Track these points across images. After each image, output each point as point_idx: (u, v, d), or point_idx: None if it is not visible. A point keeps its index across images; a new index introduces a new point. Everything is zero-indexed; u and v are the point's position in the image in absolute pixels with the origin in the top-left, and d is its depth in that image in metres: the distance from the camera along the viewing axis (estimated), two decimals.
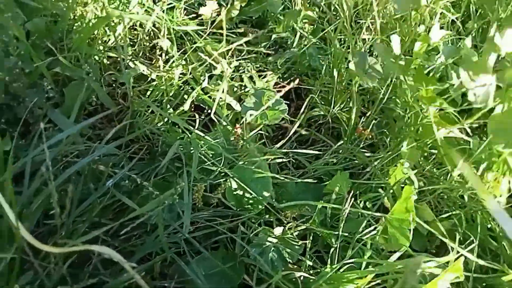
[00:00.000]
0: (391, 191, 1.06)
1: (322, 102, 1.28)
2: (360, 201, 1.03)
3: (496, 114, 0.91)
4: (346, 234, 0.98)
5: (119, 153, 1.01)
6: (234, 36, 1.36)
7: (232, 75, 1.26)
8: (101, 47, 1.21)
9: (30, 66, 1.01)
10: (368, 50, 1.32)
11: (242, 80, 1.28)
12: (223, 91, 1.12)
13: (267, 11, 1.46)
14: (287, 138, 1.18)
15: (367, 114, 1.23)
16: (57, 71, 1.07)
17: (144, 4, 1.26)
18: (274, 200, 1.03)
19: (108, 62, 1.22)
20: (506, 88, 0.88)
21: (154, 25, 1.27)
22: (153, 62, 1.27)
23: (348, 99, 1.24)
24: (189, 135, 1.07)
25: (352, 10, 1.32)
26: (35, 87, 1.01)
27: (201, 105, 1.22)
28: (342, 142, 1.19)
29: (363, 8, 1.38)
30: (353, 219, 1.02)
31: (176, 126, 1.12)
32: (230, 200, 1.01)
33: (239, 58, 1.33)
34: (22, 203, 0.78)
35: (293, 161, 1.17)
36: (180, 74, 1.21)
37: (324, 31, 1.34)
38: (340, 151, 1.18)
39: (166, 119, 1.12)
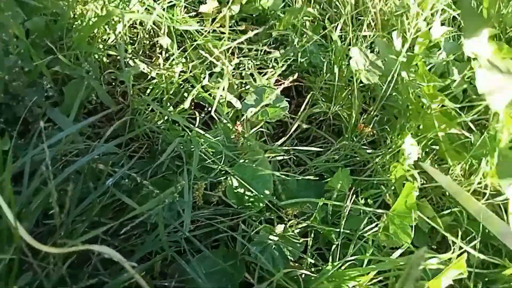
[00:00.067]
0: (393, 187, 1.05)
1: (323, 99, 1.27)
2: (362, 198, 1.03)
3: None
4: (348, 231, 0.98)
5: (119, 151, 1.01)
6: (235, 33, 1.36)
7: (232, 72, 1.26)
8: (101, 46, 1.21)
9: (29, 64, 1.00)
10: (369, 47, 1.32)
11: (242, 78, 1.28)
12: (223, 89, 1.12)
13: (268, 8, 1.45)
14: (288, 135, 1.18)
15: (368, 111, 1.23)
16: (57, 70, 1.06)
17: (144, 2, 1.25)
18: (275, 198, 1.02)
19: (108, 61, 1.21)
20: None
21: (154, 23, 1.26)
22: (153, 60, 1.27)
23: (349, 96, 1.23)
24: (189, 133, 1.07)
25: (353, 7, 1.32)
26: (35, 86, 1.01)
27: (201, 103, 1.22)
28: (343, 139, 1.18)
29: (364, 4, 1.37)
30: (354, 216, 1.02)
31: (176, 124, 1.12)
32: (230, 198, 1.01)
33: (240, 55, 1.33)
34: (22, 203, 0.78)
35: (294, 158, 1.16)
36: (180, 72, 1.20)
37: (326, 29, 1.34)
38: (341, 148, 1.17)
39: (166, 117, 1.12)
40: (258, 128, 1.13)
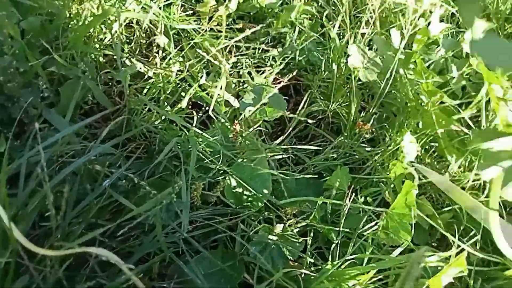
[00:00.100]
0: (392, 185, 1.05)
1: (321, 97, 1.27)
2: (361, 196, 1.03)
3: None
4: (347, 230, 0.98)
5: (115, 152, 1.00)
6: (232, 32, 1.35)
7: (230, 71, 1.25)
8: (97, 45, 1.20)
9: (24, 65, 0.99)
10: (367, 44, 1.31)
11: (240, 76, 1.27)
12: (221, 88, 1.11)
13: (265, 6, 1.45)
14: (286, 134, 1.17)
15: (367, 109, 1.22)
16: (53, 70, 1.06)
17: (140, 1, 1.25)
18: (274, 197, 1.02)
19: (104, 60, 1.20)
20: None
21: (150, 22, 1.25)
22: (149, 60, 1.26)
23: (348, 94, 1.22)
24: (187, 133, 1.06)
25: (351, 4, 1.31)
26: (30, 87, 1.00)
27: (199, 102, 1.21)
28: (342, 137, 1.18)
29: (362, 2, 1.36)
30: (354, 215, 1.01)
31: (174, 124, 1.11)
32: (229, 198, 1.00)
33: (237, 54, 1.32)
34: (18, 205, 0.77)
35: (293, 157, 1.16)
36: (178, 71, 1.20)
37: (324, 27, 1.33)
38: (340, 146, 1.16)
39: (163, 117, 1.11)
40: (256, 127, 1.12)
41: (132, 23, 1.28)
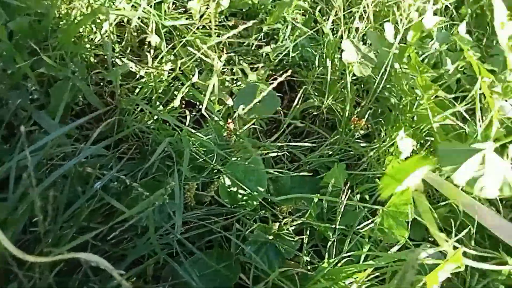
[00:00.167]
0: None
1: (316, 93, 1.26)
2: (357, 193, 1.02)
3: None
4: (344, 227, 0.97)
5: (107, 153, 0.99)
6: (225, 29, 1.33)
7: (223, 68, 1.23)
8: (88, 45, 1.18)
9: (12, 67, 0.98)
10: (361, 39, 1.30)
11: (233, 74, 1.25)
12: (214, 86, 1.10)
13: (258, 2, 1.43)
14: (281, 131, 1.16)
15: (362, 104, 1.21)
16: (42, 72, 1.04)
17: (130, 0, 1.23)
18: (269, 195, 1.01)
19: (95, 61, 1.19)
20: None
21: (141, 21, 1.24)
22: (141, 59, 1.25)
23: (342, 89, 1.21)
24: (180, 132, 1.05)
25: None
26: (19, 89, 0.98)
27: (192, 101, 1.19)
28: (337, 133, 1.17)
29: None
30: (350, 211, 1.00)
31: (167, 124, 1.10)
32: (223, 198, 0.99)
33: (230, 51, 1.30)
34: (8, 210, 0.75)
35: (288, 154, 1.15)
36: (170, 69, 1.18)
37: (317, 22, 1.32)
38: (335, 142, 1.15)
39: (155, 117, 1.09)
40: (251, 125, 1.11)
41: (123, 22, 1.27)
